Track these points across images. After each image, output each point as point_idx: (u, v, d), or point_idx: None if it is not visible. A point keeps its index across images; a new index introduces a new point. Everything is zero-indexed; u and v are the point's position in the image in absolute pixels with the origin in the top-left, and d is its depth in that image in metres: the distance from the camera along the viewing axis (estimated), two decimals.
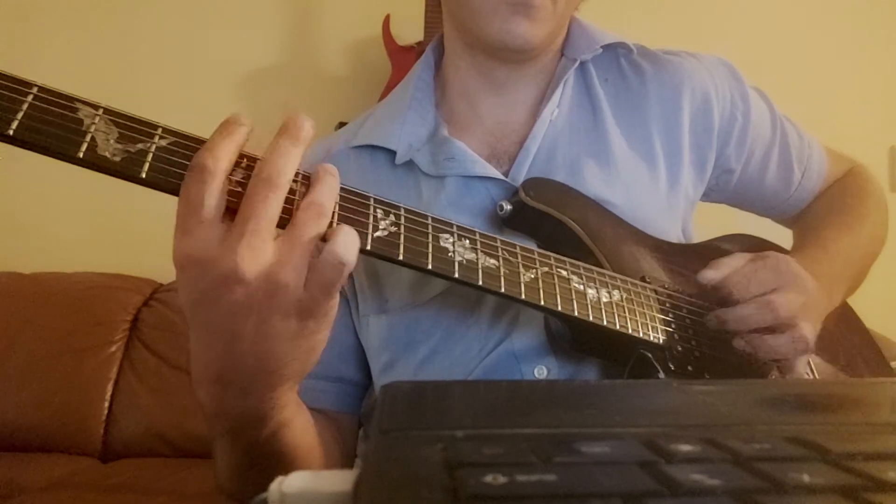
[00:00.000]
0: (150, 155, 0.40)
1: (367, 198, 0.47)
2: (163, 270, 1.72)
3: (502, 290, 0.51)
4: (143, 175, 0.40)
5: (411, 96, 0.71)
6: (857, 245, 0.73)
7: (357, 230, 0.43)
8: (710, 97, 0.71)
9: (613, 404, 0.28)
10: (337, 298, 0.43)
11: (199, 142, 0.42)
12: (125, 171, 0.40)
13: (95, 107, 0.40)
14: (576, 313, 0.54)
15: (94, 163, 0.39)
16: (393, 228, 0.47)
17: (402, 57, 1.72)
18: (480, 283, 0.50)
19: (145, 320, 1.62)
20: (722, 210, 0.83)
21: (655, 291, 0.61)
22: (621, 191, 0.66)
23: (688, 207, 0.73)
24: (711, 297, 0.61)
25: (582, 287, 0.56)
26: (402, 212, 0.48)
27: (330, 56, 1.92)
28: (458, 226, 0.51)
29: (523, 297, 0.52)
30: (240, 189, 0.41)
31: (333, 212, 0.44)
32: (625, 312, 0.57)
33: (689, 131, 0.71)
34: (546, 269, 0.54)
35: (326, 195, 0.42)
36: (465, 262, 0.50)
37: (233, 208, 0.40)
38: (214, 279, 0.39)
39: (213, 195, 0.39)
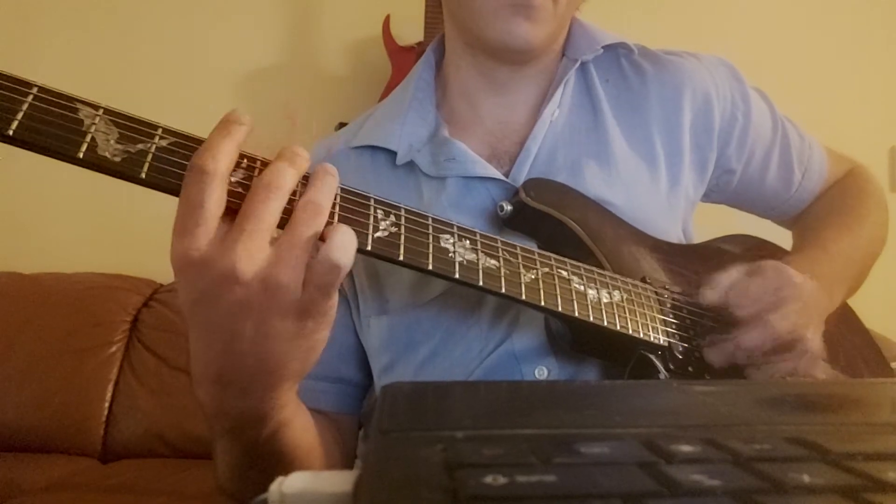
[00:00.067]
0: (151, 155, 0.40)
1: (368, 198, 0.47)
2: (163, 271, 1.72)
3: (503, 290, 0.51)
4: (143, 175, 0.40)
5: (412, 96, 0.71)
6: (857, 246, 0.73)
7: (357, 230, 0.44)
8: (710, 97, 0.71)
9: (613, 405, 0.28)
10: (336, 299, 0.43)
11: (200, 142, 0.42)
12: (125, 171, 0.40)
13: (96, 107, 0.40)
14: (576, 314, 0.54)
15: (95, 163, 0.39)
16: (393, 229, 0.47)
17: (402, 57, 1.72)
18: (481, 283, 0.50)
19: (145, 321, 1.62)
20: (722, 210, 0.83)
21: (656, 292, 0.61)
22: (622, 191, 0.66)
23: (688, 208, 0.72)
24: (713, 316, 0.61)
25: (582, 288, 0.56)
26: (403, 212, 0.48)
27: (330, 56, 1.92)
28: (458, 226, 0.51)
29: (524, 297, 0.52)
30: (240, 189, 0.41)
31: (333, 212, 0.44)
32: (625, 313, 0.57)
33: (690, 132, 0.71)
34: (546, 269, 0.54)
35: (323, 194, 0.42)
36: (465, 262, 0.50)
37: (233, 208, 0.40)
38: (213, 279, 0.39)
39: (212, 197, 0.39)
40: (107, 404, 1.52)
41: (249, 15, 1.90)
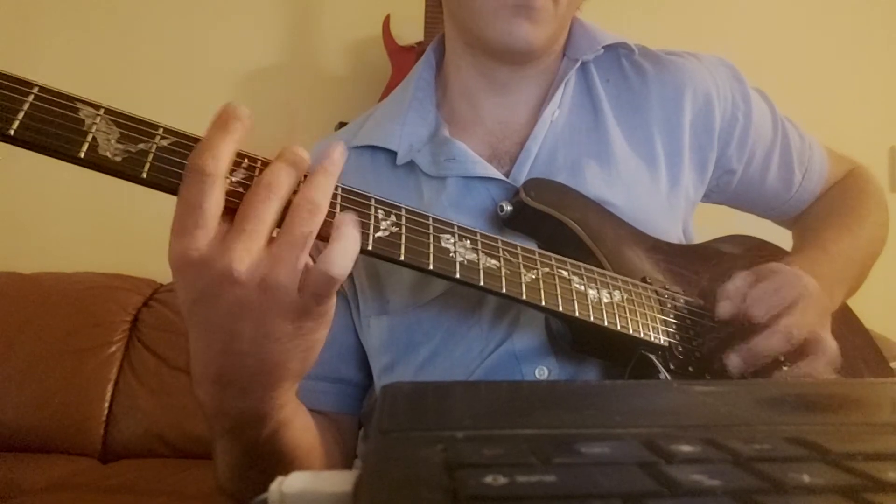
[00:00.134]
0: (151, 155, 0.40)
1: (369, 198, 0.47)
2: (163, 271, 1.71)
3: (503, 290, 0.51)
4: (144, 175, 0.40)
5: (412, 96, 0.71)
6: (857, 246, 0.73)
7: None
8: (711, 98, 0.71)
9: (613, 405, 0.28)
10: (334, 300, 0.43)
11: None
12: (126, 171, 0.40)
13: (96, 107, 0.40)
14: (577, 314, 0.54)
15: (96, 163, 0.39)
16: (394, 229, 0.47)
17: (402, 57, 1.72)
18: (482, 283, 0.50)
19: (145, 321, 1.62)
20: (722, 210, 0.83)
21: (656, 292, 0.61)
22: (622, 191, 0.66)
23: (688, 208, 0.72)
24: (731, 326, 0.61)
25: (583, 288, 0.56)
26: (404, 212, 0.48)
27: (330, 56, 1.92)
28: (459, 226, 0.51)
29: (524, 297, 0.52)
30: (239, 189, 0.41)
31: (334, 212, 0.44)
32: (626, 313, 0.57)
33: (691, 132, 0.71)
34: (547, 269, 0.54)
35: (319, 191, 0.41)
36: (466, 262, 0.50)
37: (231, 208, 0.40)
38: (212, 279, 0.39)
39: (212, 198, 0.39)
40: (107, 404, 1.52)
41: (249, 15, 1.90)
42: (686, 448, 0.20)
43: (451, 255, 0.49)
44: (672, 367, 0.58)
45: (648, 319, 0.59)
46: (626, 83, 0.72)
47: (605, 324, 0.55)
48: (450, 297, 0.62)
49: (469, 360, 0.62)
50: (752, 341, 0.56)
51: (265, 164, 0.43)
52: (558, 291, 0.54)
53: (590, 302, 0.55)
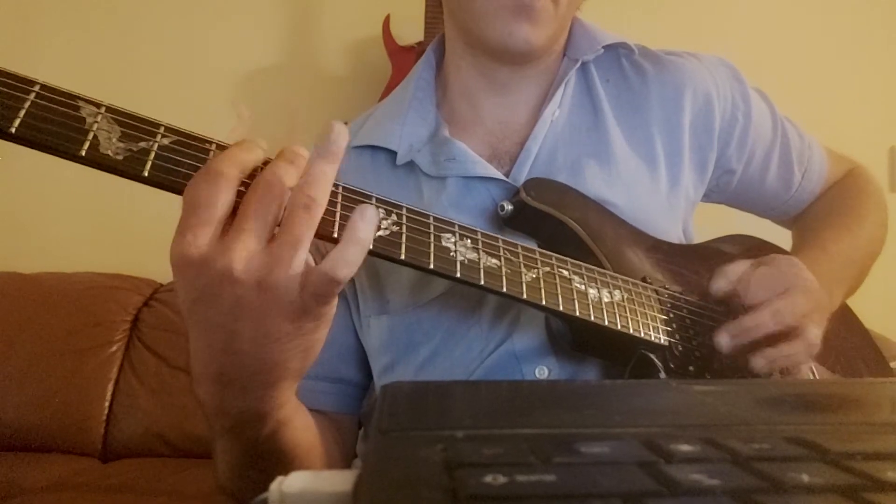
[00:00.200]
0: (153, 153, 0.41)
1: (370, 197, 0.47)
2: (163, 270, 1.72)
3: (504, 289, 0.51)
4: (146, 174, 0.40)
5: (412, 96, 0.71)
6: (856, 246, 0.73)
7: None
8: (711, 98, 0.71)
9: (613, 404, 0.29)
10: (334, 304, 0.43)
11: (202, 140, 0.42)
12: (128, 169, 0.40)
13: (98, 105, 0.40)
14: (577, 313, 0.54)
15: (97, 161, 0.39)
16: (395, 228, 0.47)
17: (402, 57, 1.72)
18: (482, 282, 0.50)
19: (145, 320, 1.62)
20: (722, 210, 0.83)
21: (656, 292, 0.61)
22: (622, 191, 0.66)
23: (688, 208, 0.73)
24: (722, 306, 0.61)
25: (583, 287, 0.56)
26: (404, 211, 0.48)
27: (330, 56, 1.92)
28: (459, 225, 0.51)
29: (525, 296, 0.52)
30: (241, 188, 0.41)
31: (335, 211, 0.44)
32: (626, 313, 0.57)
33: (690, 132, 0.71)
34: (548, 268, 0.54)
35: (316, 187, 0.40)
36: (466, 261, 0.50)
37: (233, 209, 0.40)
38: (212, 278, 0.39)
39: (225, 198, 0.39)
40: (107, 404, 1.52)
41: (249, 15, 1.90)
42: (685, 447, 0.20)
43: (451, 254, 0.49)
44: (672, 366, 0.58)
45: (648, 319, 0.59)
46: (626, 83, 0.72)
47: (606, 323, 0.55)
48: (450, 297, 0.62)
49: (469, 359, 0.62)
50: (742, 318, 0.57)
51: (265, 163, 0.43)
52: (559, 291, 0.54)
53: (590, 301, 0.55)
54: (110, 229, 1.85)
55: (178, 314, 1.56)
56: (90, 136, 0.39)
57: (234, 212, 0.40)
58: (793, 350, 0.57)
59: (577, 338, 0.59)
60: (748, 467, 0.19)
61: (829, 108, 1.78)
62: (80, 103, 0.40)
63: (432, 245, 0.49)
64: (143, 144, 0.40)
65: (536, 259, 0.54)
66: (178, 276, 0.40)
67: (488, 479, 0.17)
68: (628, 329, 0.57)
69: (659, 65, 0.72)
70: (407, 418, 0.24)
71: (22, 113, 0.38)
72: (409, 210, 0.49)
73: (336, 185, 0.44)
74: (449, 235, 0.50)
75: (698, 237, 0.75)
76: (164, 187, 0.41)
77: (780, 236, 0.80)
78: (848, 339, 0.74)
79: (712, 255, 0.71)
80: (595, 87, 0.71)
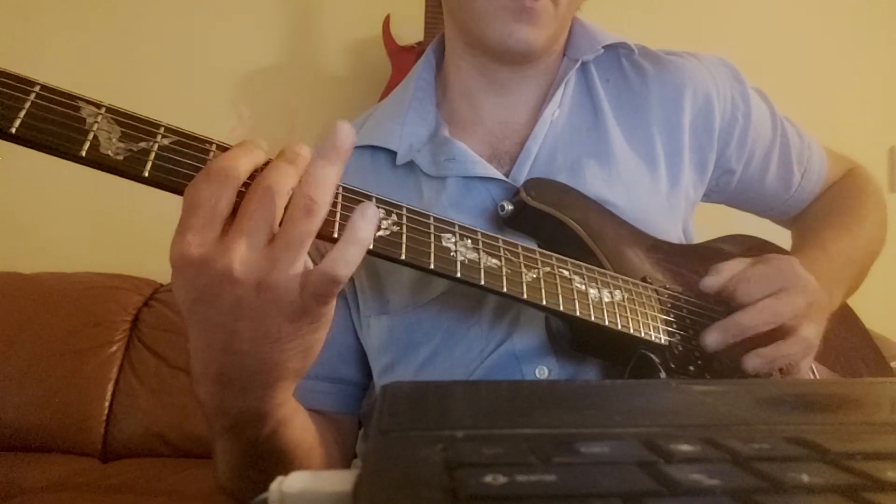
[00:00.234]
0: (153, 154, 0.41)
1: (370, 197, 0.47)
2: (163, 270, 1.71)
3: (504, 289, 0.51)
4: (146, 174, 0.40)
5: (412, 96, 0.71)
6: (856, 246, 0.73)
7: None
8: (711, 98, 0.71)
9: (613, 404, 0.29)
10: (333, 304, 0.43)
11: (202, 141, 0.42)
12: (128, 169, 0.40)
13: (98, 105, 0.40)
14: (578, 313, 0.54)
15: (97, 161, 0.39)
16: (395, 228, 0.47)
17: (402, 57, 1.72)
18: (482, 282, 0.50)
19: (145, 320, 1.62)
20: (722, 210, 0.83)
21: (657, 292, 0.61)
22: (622, 191, 0.66)
23: (688, 208, 0.73)
24: (721, 305, 0.61)
25: (584, 287, 0.56)
26: (405, 211, 0.48)
27: (330, 56, 1.92)
28: (460, 225, 0.51)
29: (525, 296, 0.52)
30: (241, 188, 0.41)
31: (335, 211, 0.44)
32: (626, 313, 0.57)
33: (690, 132, 0.71)
34: (548, 269, 0.54)
35: (318, 188, 0.40)
36: (467, 261, 0.50)
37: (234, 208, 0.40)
38: (211, 278, 0.39)
39: (226, 199, 0.39)
40: (107, 404, 1.52)
41: (249, 15, 1.90)
42: (685, 447, 0.20)
43: (452, 254, 0.49)
44: (672, 366, 0.58)
45: (649, 319, 0.59)
46: (626, 83, 0.72)
47: (606, 323, 0.55)
48: (450, 297, 0.62)
49: (469, 359, 0.62)
50: (731, 317, 0.57)
51: (266, 163, 0.43)
52: (559, 291, 0.54)
53: (590, 301, 0.55)
54: (110, 229, 1.85)
55: (178, 314, 1.56)
56: (90, 136, 0.39)
57: (235, 212, 0.40)
58: (789, 350, 0.57)
59: (577, 338, 0.59)
60: (748, 467, 0.19)
61: (829, 108, 1.78)
62: (81, 104, 0.40)
63: (432, 245, 0.49)
64: (143, 145, 0.40)
65: (537, 259, 0.54)
66: (177, 276, 0.40)
67: (488, 479, 0.17)
68: (628, 329, 0.57)
69: (659, 65, 0.72)
70: (407, 418, 0.24)
71: (22, 113, 0.38)
72: (409, 210, 0.49)
73: (336, 186, 0.44)
74: (449, 235, 0.50)
75: (698, 237, 0.75)
76: (165, 188, 0.41)
77: (780, 236, 0.80)
78: (848, 339, 0.74)
79: (712, 255, 0.71)
80: (595, 87, 0.71)
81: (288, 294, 0.40)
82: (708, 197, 0.77)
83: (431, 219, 0.50)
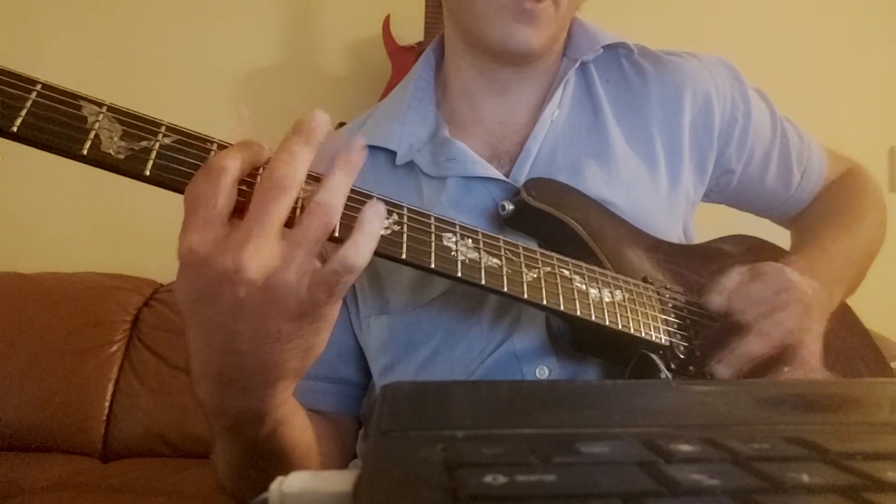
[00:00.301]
0: (154, 152, 0.41)
1: (371, 196, 0.47)
2: (163, 270, 1.72)
3: (505, 289, 0.51)
4: (147, 172, 0.40)
5: (411, 96, 0.71)
6: (855, 245, 0.73)
7: None
8: (711, 98, 0.71)
9: (613, 404, 0.29)
10: (340, 302, 0.43)
11: (204, 140, 0.42)
12: (129, 168, 0.40)
13: (99, 104, 0.40)
14: (578, 313, 0.54)
15: (99, 160, 0.39)
16: (396, 227, 0.47)
17: (402, 57, 1.72)
18: (483, 282, 0.50)
19: (145, 320, 1.62)
20: (722, 210, 0.83)
21: (657, 292, 0.61)
22: (622, 191, 0.66)
23: (688, 208, 0.73)
24: (718, 321, 0.61)
25: (584, 287, 0.56)
26: (406, 211, 0.48)
27: (330, 56, 1.92)
28: (461, 225, 0.51)
29: (526, 296, 0.52)
30: (243, 187, 0.41)
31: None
32: (627, 312, 0.57)
33: (690, 132, 0.71)
34: (549, 268, 0.54)
35: (334, 195, 0.41)
36: (467, 261, 0.50)
37: (237, 207, 0.40)
38: (216, 277, 0.39)
39: (225, 195, 0.39)
40: (107, 404, 1.52)
41: (249, 15, 1.90)
42: (685, 447, 0.20)
43: (452, 253, 0.49)
44: (673, 366, 0.58)
45: (649, 319, 0.59)
46: (626, 83, 0.72)
47: (607, 323, 0.55)
48: (450, 297, 0.62)
49: (469, 359, 0.62)
50: (734, 346, 0.57)
51: (268, 162, 0.43)
52: (560, 290, 0.54)
53: (591, 301, 0.55)
54: (110, 229, 1.85)
55: (178, 314, 1.56)
56: (92, 134, 0.39)
57: (240, 209, 0.40)
58: (796, 372, 0.57)
59: (577, 337, 0.59)
60: (748, 467, 0.19)
61: (829, 108, 1.78)
62: (82, 102, 0.40)
63: (433, 245, 0.49)
64: (144, 143, 0.40)
65: (537, 259, 0.54)
66: (182, 272, 0.40)
67: (488, 479, 0.17)
68: (629, 329, 0.57)
69: (659, 65, 0.72)
70: (407, 418, 0.24)
71: (24, 112, 0.38)
72: (409, 209, 0.49)
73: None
74: (450, 235, 0.50)
75: (698, 237, 0.75)
76: (166, 186, 0.41)
77: (780, 236, 0.80)
78: (848, 339, 0.74)
79: (712, 255, 0.71)
80: (595, 87, 0.71)
81: (296, 293, 0.40)
82: (708, 197, 0.77)
83: (432, 218, 0.50)
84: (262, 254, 0.38)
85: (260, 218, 0.39)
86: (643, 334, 0.57)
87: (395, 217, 0.48)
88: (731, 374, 0.57)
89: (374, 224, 0.42)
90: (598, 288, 0.57)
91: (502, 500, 0.17)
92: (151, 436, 1.50)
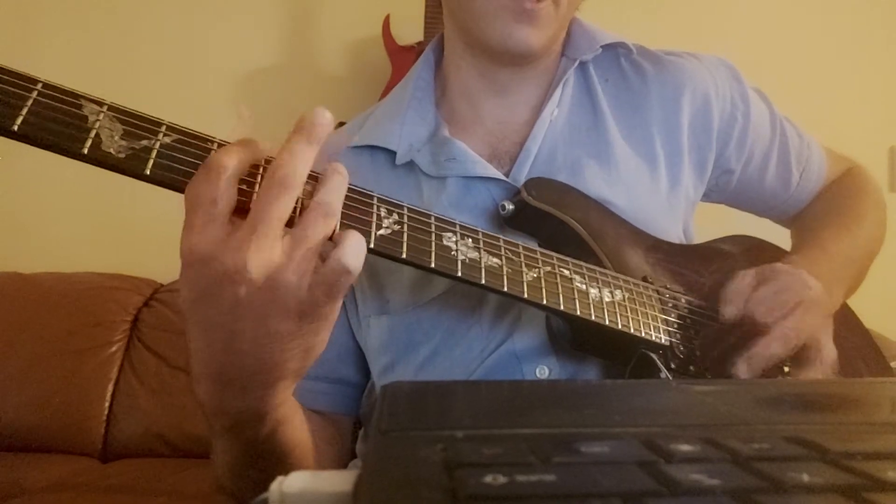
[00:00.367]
0: (155, 151, 0.41)
1: (371, 196, 0.47)
2: (163, 271, 1.72)
3: (505, 289, 0.51)
4: (148, 171, 0.40)
5: (411, 96, 0.71)
6: (855, 245, 0.73)
7: (360, 228, 0.44)
8: (710, 98, 0.71)
9: (613, 404, 0.29)
10: (340, 302, 0.43)
11: (204, 139, 0.42)
12: (130, 167, 0.40)
13: (100, 103, 0.40)
14: (578, 312, 0.54)
15: (99, 159, 0.39)
16: (396, 227, 0.47)
17: (402, 57, 1.72)
18: (483, 282, 0.50)
19: (145, 320, 1.62)
20: (722, 210, 0.83)
21: (657, 292, 0.61)
22: (622, 191, 0.66)
23: (688, 208, 0.73)
24: (737, 329, 0.60)
25: (584, 286, 0.56)
26: (406, 210, 0.48)
27: (330, 56, 1.92)
28: (461, 225, 0.51)
29: (526, 296, 0.52)
30: (244, 187, 0.41)
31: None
32: (627, 312, 0.57)
33: (690, 132, 0.71)
34: (549, 268, 0.54)
35: (334, 195, 0.42)
36: (467, 260, 0.50)
37: (239, 206, 0.40)
38: (217, 276, 0.39)
39: (225, 194, 0.39)
40: (107, 404, 1.52)
41: (249, 15, 1.90)
42: (685, 447, 0.20)
43: (452, 253, 0.49)
44: (673, 366, 0.58)
45: (649, 319, 0.59)
46: (625, 83, 0.72)
47: (607, 322, 0.55)
48: (450, 297, 0.62)
49: (469, 359, 0.62)
50: (754, 348, 0.56)
51: (268, 160, 0.43)
52: (560, 290, 0.54)
53: (591, 301, 0.55)
54: (110, 229, 1.85)
55: (178, 314, 1.56)
56: (92, 133, 0.39)
57: (242, 208, 0.40)
58: (816, 371, 0.57)
59: (577, 337, 0.59)
60: (748, 467, 0.19)
61: (829, 108, 1.78)
62: (83, 101, 0.40)
63: (433, 244, 0.49)
64: (145, 143, 0.40)
65: (537, 258, 0.54)
66: (184, 272, 0.40)
67: (488, 479, 0.17)
68: (629, 328, 0.57)
69: (658, 65, 0.72)
70: (407, 418, 0.24)
71: (24, 111, 0.38)
72: (410, 209, 0.49)
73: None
74: (450, 235, 0.50)
75: (698, 237, 0.75)
76: (167, 185, 0.41)
77: (780, 236, 0.80)
78: (848, 339, 0.74)
79: (712, 255, 0.71)
80: (594, 87, 0.71)
81: (296, 293, 0.40)
82: (707, 197, 0.77)
83: (432, 218, 0.50)
84: (264, 253, 0.38)
85: (261, 217, 0.39)
86: (643, 334, 0.57)
87: (396, 217, 0.48)
88: (751, 375, 0.57)
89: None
90: (599, 287, 0.57)
91: (502, 500, 0.17)
92: (151, 436, 1.50)
